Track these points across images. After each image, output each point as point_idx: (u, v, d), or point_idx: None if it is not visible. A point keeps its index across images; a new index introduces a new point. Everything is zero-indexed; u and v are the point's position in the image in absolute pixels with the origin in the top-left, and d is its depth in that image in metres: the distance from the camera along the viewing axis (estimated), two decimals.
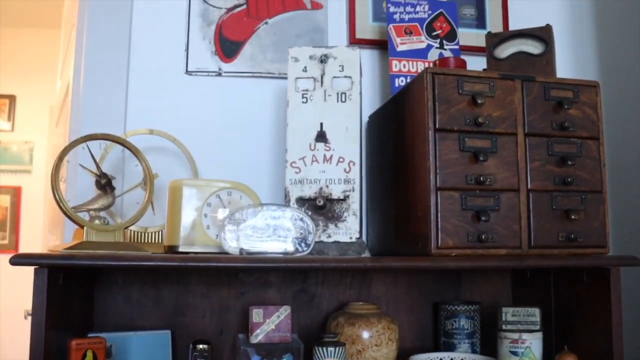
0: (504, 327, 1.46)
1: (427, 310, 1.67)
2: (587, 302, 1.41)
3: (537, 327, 1.45)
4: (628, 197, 1.87)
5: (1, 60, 4.90)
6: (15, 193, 4.80)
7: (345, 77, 1.39)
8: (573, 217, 1.31)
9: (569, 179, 1.33)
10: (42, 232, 4.26)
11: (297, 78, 1.39)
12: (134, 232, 1.53)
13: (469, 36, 1.88)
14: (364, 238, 1.65)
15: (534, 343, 1.43)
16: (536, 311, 1.46)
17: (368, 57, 1.82)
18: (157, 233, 1.55)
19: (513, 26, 1.90)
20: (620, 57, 1.97)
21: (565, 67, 1.93)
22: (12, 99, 4.89)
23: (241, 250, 1.23)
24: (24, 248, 4.61)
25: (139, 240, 1.54)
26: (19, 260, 1.08)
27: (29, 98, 4.88)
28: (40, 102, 4.72)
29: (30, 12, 4.62)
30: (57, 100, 2.97)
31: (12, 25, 4.89)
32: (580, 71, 1.98)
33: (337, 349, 1.29)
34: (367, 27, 1.82)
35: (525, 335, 1.43)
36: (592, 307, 1.39)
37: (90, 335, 1.34)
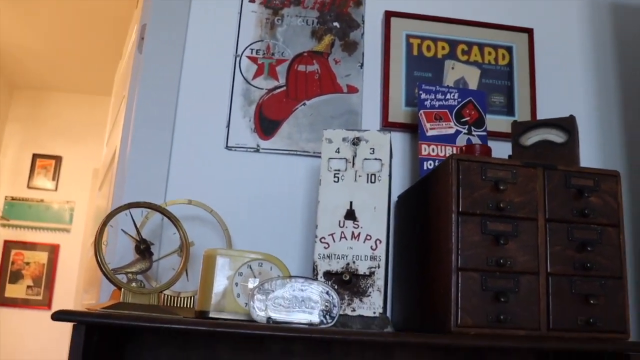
0: None
1: None
2: None
3: None
4: None
5: (50, 122, 5.14)
6: (53, 250, 4.94)
7: (376, 159, 1.46)
8: (592, 301, 1.34)
9: (589, 265, 1.37)
10: (76, 290, 4.37)
11: (330, 158, 1.47)
12: (168, 296, 1.60)
13: (498, 123, 1.95)
14: (389, 314, 1.69)
15: None
16: None
17: (400, 140, 1.91)
18: (189, 298, 1.61)
19: (541, 114, 1.98)
20: None
21: (590, 156, 1.99)
22: (58, 159, 5.09)
23: (268, 319, 1.29)
24: (57, 305, 4.70)
25: (172, 304, 1.61)
26: (61, 316, 1.15)
27: (74, 160, 5.08)
28: (84, 165, 4.92)
29: (82, 79, 4.87)
30: (102, 164, 3.11)
31: (64, 90, 5.15)
32: (608, 160, 2.03)
33: None
34: (399, 112, 1.92)
35: None
36: None
37: None
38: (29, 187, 5.04)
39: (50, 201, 5.02)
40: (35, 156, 5.09)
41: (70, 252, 4.87)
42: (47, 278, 4.88)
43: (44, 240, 4.96)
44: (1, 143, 5.03)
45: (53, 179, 5.08)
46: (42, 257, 4.93)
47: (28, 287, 4.85)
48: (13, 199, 4.99)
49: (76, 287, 4.46)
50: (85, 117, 5.09)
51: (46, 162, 5.11)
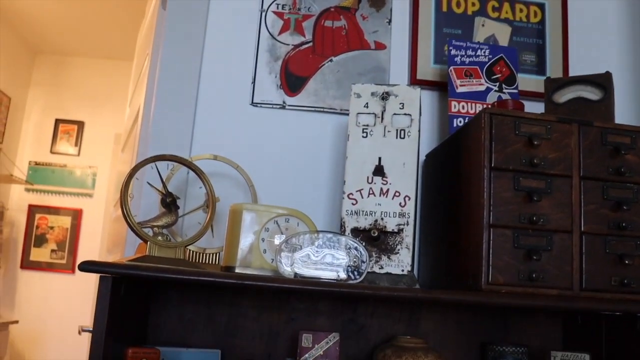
0: None
1: (474, 350, 1.67)
2: (639, 350, 1.39)
3: None
4: None
5: (73, 87, 5.13)
6: (76, 215, 4.97)
7: (405, 114, 1.43)
8: (627, 262, 1.31)
9: (624, 224, 1.33)
10: (99, 254, 4.39)
11: (359, 113, 1.44)
12: (193, 252, 1.59)
13: (529, 82, 1.90)
14: (415, 272, 1.67)
15: None
16: (586, 357, 1.45)
17: (428, 98, 1.87)
18: (214, 255, 1.60)
19: (573, 73, 1.93)
20: None
21: (626, 114, 1.94)
22: (80, 125, 5.10)
23: (296, 274, 1.27)
24: None
25: (198, 260, 1.60)
26: (87, 266, 1.14)
27: (96, 125, 5.08)
28: (107, 130, 4.92)
29: (105, 44, 4.85)
30: (124, 127, 3.11)
31: (87, 55, 5.14)
32: None
33: None
34: (428, 69, 1.87)
35: None
36: None
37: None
38: (52, 152, 5.05)
39: (73, 166, 5.03)
40: (58, 121, 5.09)
41: (93, 217, 4.89)
42: (71, 242, 4.91)
43: (67, 205, 4.98)
44: (24, 108, 5.04)
45: (76, 144, 5.09)
46: (66, 221, 4.96)
47: (52, 251, 4.89)
48: (37, 164, 5.01)
49: (99, 251, 4.48)
50: (108, 83, 5.07)
51: (69, 128, 5.11)
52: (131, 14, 4.04)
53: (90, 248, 4.76)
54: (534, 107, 1.77)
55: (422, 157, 1.75)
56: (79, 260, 4.88)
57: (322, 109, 1.82)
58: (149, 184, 1.45)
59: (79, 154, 5.08)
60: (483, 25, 1.94)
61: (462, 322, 1.67)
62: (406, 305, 1.65)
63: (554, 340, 1.69)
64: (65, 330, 4.31)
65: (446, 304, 1.66)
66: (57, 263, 4.85)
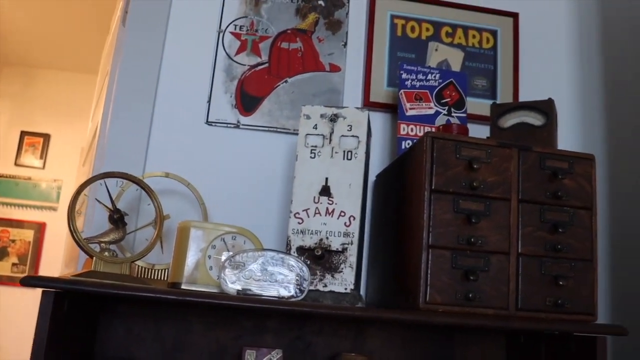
0: None
1: None
2: None
3: None
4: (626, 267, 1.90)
5: (39, 99, 5.11)
6: (40, 229, 4.93)
7: (353, 136, 1.46)
8: (561, 283, 1.35)
9: (559, 246, 1.37)
10: (61, 268, 4.36)
11: (308, 134, 1.47)
12: (142, 267, 1.60)
13: (480, 106, 1.96)
14: (363, 291, 1.70)
15: None
16: None
17: (381, 120, 1.91)
18: (163, 271, 1.62)
19: (523, 99, 1.99)
20: (625, 133, 2.04)
21: (571, 140, 2.00)
22: (46, 137, 5.07)
23: (238, 291, 1.29)
24: None
25: (146, 276, 1.61)
26: (29, 281, 1.15)
27: (62, 138, 5.06)
28: (73, 143, 4.89)
29: (72, 57, 4.84)
30: (86, 141, 3.10)
31: (54, 67, 5.12)
32: (589, 145, 2.04)
33: None
34: (381, 91, 1.92)
35: None
36: None
37: None
38: (16, 164, 5.01)
39: (38, 179, 5.00)
40: (23, 133, 5.06)
41: (56, 231, 4.85)
42: (33, 256, 4.86)
43: (30, 218, 4.94)
44: None
45: (41, 157, 5.05)
46: (28, 235, 4.91)
47: (13, 264, 4.84)
48: (0, 176, 4.97)
49: (61, 265, 4.44)
50: (74, 96, 5.06)
51: (34, 140, 5.08)
52: (98, 27, 4.05)
53: (52, 262, 4.72)
54: (484, 130, 1.82)
55: (373, 177, 1.79)
56: (41, 274, 4.85)
57: (275, 129, 1.85)
58: (97, 200, 1.47)
59: (44, 167, 5.05)
60: (436, 50, 1.99)
61: (407, 340, 1.70)
62: (352, 323, 1.68)
63: (498, 358, 1.73)
64: (25, 345, 4.26)
65: (390, 322, 1.69)
66: (18, 277, 4.79)
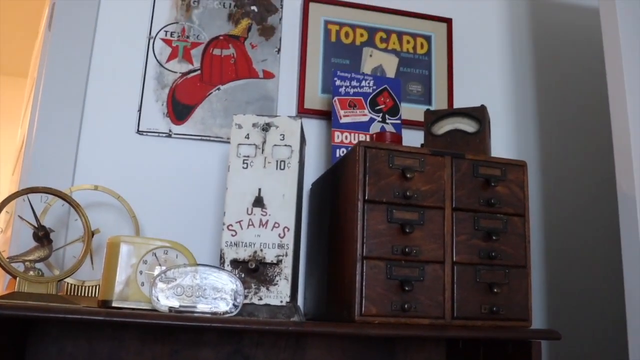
0: None
1: None
2: None
3: None
4: (559, 274, 1.94)
5: None
6: None
7: (286, 145, 1.44)
8: (496, 290, 1.36)
9: (494, 254, 1.38)
10: None
11: (240, 144, 1.44)
12: (72, 285, 1.54)
13: (415, 111, 1.96)
14: (301, 302, 1.68)
15: None
16: None
17: (316, 127, 1.90)
18: (94, 287, 1.56)
19: (458, 104, 2.01)
20: (558, 139, 2.08)
21: (505, 147, 2.03)
22: None
23: (170, 308, 1.26)
24: None
25: (77, 294, 1.55)
26: None
27: None
28: (4, 150, 4.72)
29: (1, 59, 4.67)
30: (15, 149, 3.00)
31: None
32: (523, 151, 2.07)
33: None
34: (316, 98, 1.90)
35: None
36: None
37: None
38: None
39: None
40: None
41: None
42: None
43: None
44: None
45: None
46: None
47: None
48: None
49: None
50: (5, 100, 4.89)
51: None
52: (28, 29, 3.93)
53: None
54: (420, 136, 1.83)
55: (309, 186, 1.77)
56: None
57: (208, 138, 1.81)
58: (20, 217, 1.41)
59: None
60: (371, 55, 1.98)
61: (348, 350, 1.69)
62: (292, 335, 1.65)
63: None
64: None
65: (324, 334, 1.67)
66: None
